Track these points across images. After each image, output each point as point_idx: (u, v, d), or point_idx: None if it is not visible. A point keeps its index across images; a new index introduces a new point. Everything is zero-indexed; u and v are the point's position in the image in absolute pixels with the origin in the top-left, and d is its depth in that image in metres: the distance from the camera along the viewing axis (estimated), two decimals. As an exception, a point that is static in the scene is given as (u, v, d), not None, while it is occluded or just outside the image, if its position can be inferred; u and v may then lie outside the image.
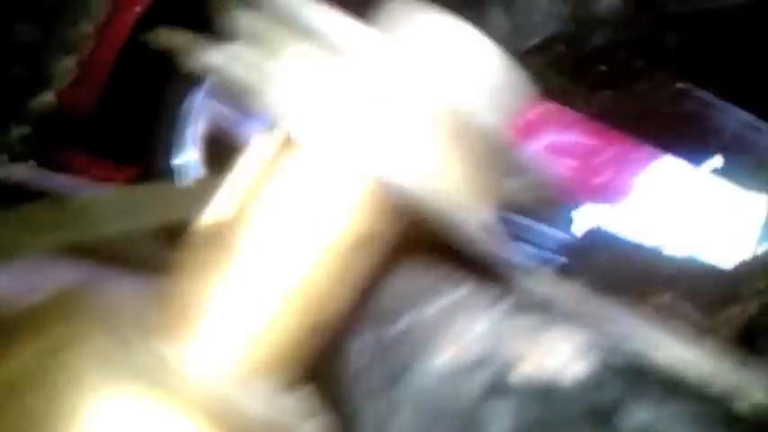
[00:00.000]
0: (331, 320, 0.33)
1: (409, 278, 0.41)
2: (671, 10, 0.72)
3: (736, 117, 1.02)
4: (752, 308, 0.83)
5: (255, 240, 0.31)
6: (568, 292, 0.37)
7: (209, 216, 0.33)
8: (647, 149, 2.32)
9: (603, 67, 0.91)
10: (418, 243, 0.37)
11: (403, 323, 0.37)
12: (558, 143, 3.51)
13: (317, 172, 0.31)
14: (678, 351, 0.31)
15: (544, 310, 0.33)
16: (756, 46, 0.72)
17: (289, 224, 0.31)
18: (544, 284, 0.37)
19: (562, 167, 3.62)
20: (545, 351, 0.30)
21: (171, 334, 0.31)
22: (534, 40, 0.65)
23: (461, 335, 0.32)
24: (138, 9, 2.00)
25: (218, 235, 0.32)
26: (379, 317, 0.39)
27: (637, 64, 0.85)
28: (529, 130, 3.38)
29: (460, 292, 0.37)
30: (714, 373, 0.29)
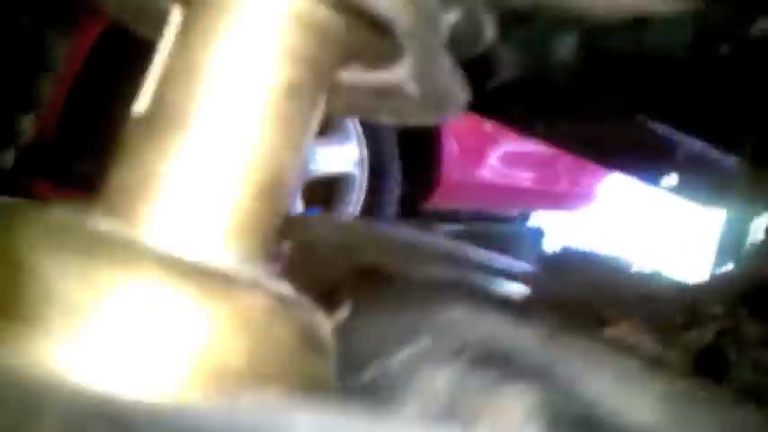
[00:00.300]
0: (282, 178, 0.32)
1: (375, 326, 0.42)
2: (622, 52, 0.75)
3: (690, 144, 1.05)
4: (709, 333, 0.85)
5: (194, 109, 0.31)
6: (527, 338, 0.38)
7: (141, 103, 0.32)
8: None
9: (561, 101, 0.94)
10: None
11: (369, 374, 0.39)
12: (516, 152, 3.54)
13: (237, 27, 0.31)
14: (628, 400, 0.33)
15: (502, 365, 0.34)
16: (706, 85, 0.76)
17: (221, 85, 0.31)
18: (502, 328, 0.38)
19: (521, 177, 3.65)
20: (500, 411, 0.31)
21: (127, 216, 0.30)
22: (495, 83, 0.67)
23: (424, 390, 0.34)
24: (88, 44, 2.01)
25: (154, 118, 0.31)
26: (346, 365, 0.39)
27: (594, 100, 0.89)
28: (486, 140, 3.41)
29: (424, 342, 0.38)
30: (662, 422, 0.31)
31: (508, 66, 0.84)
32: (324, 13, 0.32)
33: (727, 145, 0.96)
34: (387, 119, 0.42)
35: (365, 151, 3.44)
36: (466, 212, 3.93)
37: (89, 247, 0.28)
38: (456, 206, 3.90)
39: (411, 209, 3.80)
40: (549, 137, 1.21)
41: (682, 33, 0.72)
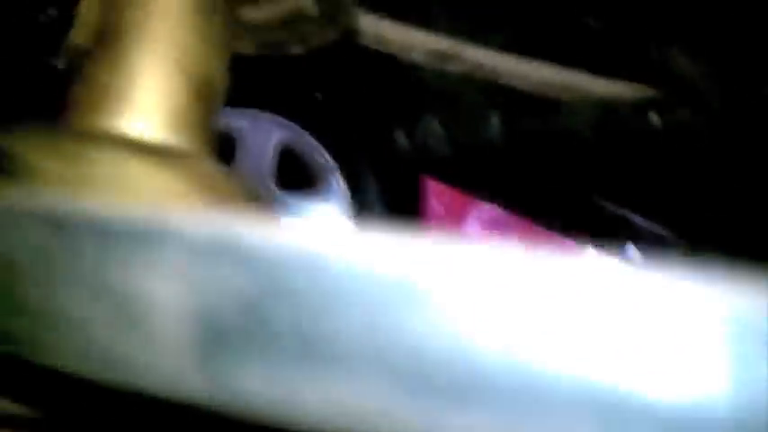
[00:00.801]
0: (212, 80, 0.38)
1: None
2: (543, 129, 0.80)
3: (648, 226, 1.09)
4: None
5: (135, 32, 0.36)
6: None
7: (80, 34, 0.37)
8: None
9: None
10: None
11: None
12: (500, 215, 3.59)
13: None
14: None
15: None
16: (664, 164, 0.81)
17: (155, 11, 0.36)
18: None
19: (504, 239, 3.70)
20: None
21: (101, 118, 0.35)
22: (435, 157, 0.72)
23: None
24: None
25: (101, 42, 0.36)
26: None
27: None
28: (470, 202, 3.47)
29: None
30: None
31: (445, 143, 0.89)
32: None
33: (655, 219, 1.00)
34: (295, 49, 0.48)
35: (348, 209, 3.49)
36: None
37: (68, 138, 0.34)
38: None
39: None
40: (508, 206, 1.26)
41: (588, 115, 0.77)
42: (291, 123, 2.64)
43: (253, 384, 0.22)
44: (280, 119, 2.54)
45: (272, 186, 3.68)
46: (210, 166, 0.35)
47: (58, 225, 0.24)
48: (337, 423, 0.22)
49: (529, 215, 1.25)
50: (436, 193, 3.80)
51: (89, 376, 0.23)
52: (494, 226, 3.84)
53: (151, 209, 0.23)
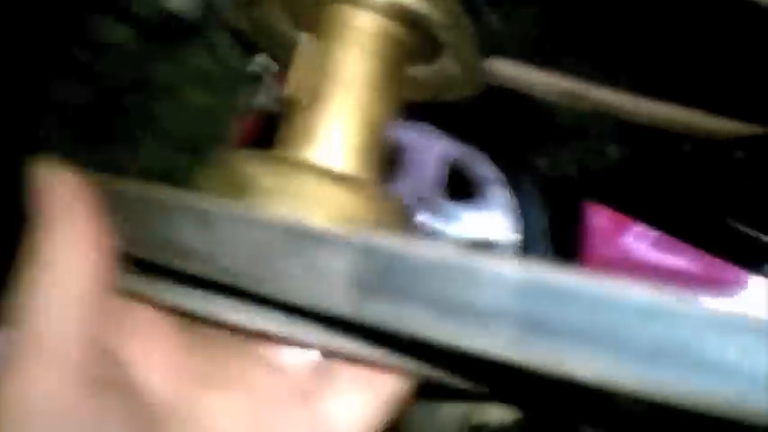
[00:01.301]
0: (381, 129, 0.49)
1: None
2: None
3: None
4: None
5: (327, 87, 0.47)
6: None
7: (288, 88, 0.49)
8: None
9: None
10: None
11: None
12: (658, 238, 3.53)
13: (343, 41, 0.49)
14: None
15: None
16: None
17: (338, 76, 0.48)
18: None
19: (669, 257, 3.63)
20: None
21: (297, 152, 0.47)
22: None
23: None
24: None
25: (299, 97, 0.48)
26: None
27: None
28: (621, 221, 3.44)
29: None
30: None
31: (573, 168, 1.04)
32: (397, 28, 0.50)
33: None
34: (446, 98, 0.59)
35: (512, 221, 3.55)
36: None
37: (276, 161, 0.46)
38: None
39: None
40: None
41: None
42: (458, 136, 2.76)
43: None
44: (446, 132, 2.69)
45: (438, 196, 3.84)
46: (377, 190, 0.46)
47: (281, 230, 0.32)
48: None
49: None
50: (596, 213, 3.80)
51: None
52: (658, 247, 3.78)
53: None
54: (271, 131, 0.51)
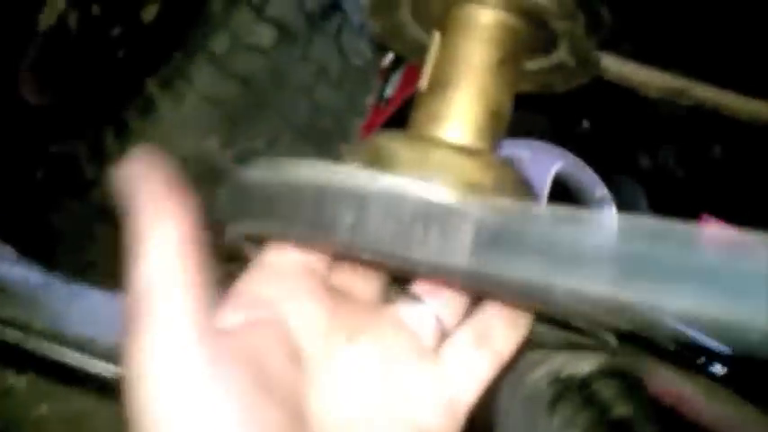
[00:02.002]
0: (502, 113, 0.54)
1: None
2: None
3: None
4: None
5: (453, 81, 0.53)
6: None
7: (423, 83, 0.55)
8: None
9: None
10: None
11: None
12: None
13: (470, 36, 0.54)
14: None
15: None
16: None
17: (465, 66, 0.54)
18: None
19: None
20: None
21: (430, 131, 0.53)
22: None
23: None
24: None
25: (431, 88, 0.54)
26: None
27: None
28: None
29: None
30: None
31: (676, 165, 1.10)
32: (516, 22, 0.55)
33: None
34: (559, 88, 0.63)
35: None
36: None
37: (416, 139, 0.53)
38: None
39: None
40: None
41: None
42: (570, 153, 2.77)
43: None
44: (560, 149, 2.72)
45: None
46: (497, 160, 0.51)
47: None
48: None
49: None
50: (713, 229, 3.74)
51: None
52: None
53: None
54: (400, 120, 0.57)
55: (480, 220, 0.36)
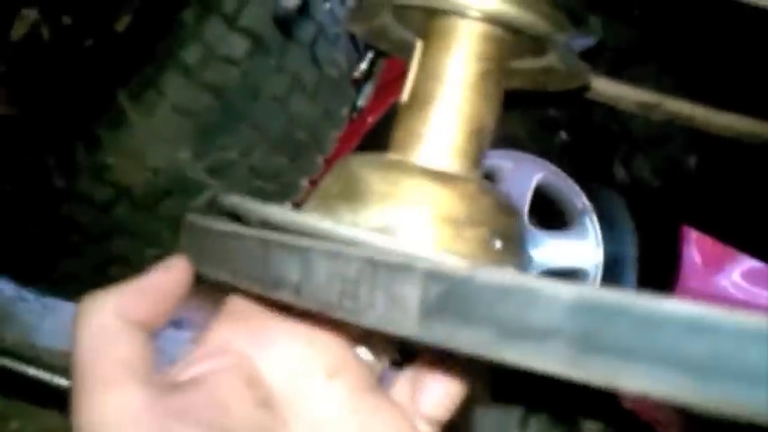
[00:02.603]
0: (483, 127, 0.53)
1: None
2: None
3: None
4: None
5: (433, 94, 0.52)
6: None
7: (404, 95, 0.53)
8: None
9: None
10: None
11: None
12: (759, 270, 3.39)
13: (451, 48, 0.52)
14: None
15: None
16: None
17: (446, 79, 0.52)
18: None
19: (762, 295, 3.49)
20: None
21: (405, 154, 0.51)
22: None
23: None
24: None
25: (411, 101, 0.53)
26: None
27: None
28: (729, 253, 3.32)
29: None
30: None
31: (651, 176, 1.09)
32: (499, 32, 0.53)
33: None
34: (550, 88, 0.62)
35: (602, 251, 3.52)
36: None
37: (390, 166, 0.51)
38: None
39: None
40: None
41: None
42: (551, 165, 2.77)
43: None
44: (541, 160, 2.72)
45: (528, 223, 3.87)
46: (479, 186, 0.50)
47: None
48: None
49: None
50: (696, 242, 3.66)
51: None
52: (756, 280, 3.61)
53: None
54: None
55: (426, 286, 0.34)
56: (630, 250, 3.57)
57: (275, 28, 1.26)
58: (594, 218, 3.63)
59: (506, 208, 0.51)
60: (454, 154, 0.51)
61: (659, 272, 3.66)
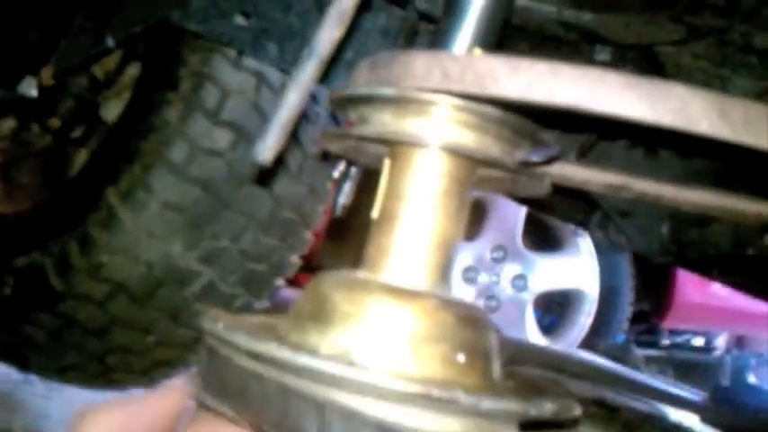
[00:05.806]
0: (449, 241, 0.55)
1: None
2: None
3: None
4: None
5: (401, 212, 0.54)
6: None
7: (375, 212, 0.56)
8: None
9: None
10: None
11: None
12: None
13: (417, 165, 0.55)
14: None
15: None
16: None
17: (413, 197, 0.54)
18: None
19: (757, 302, 3.54)
20: None
21: (374, 270, 0.54)
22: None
23: None
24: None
25: (381, 218, 0.55)
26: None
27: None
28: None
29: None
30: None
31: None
32: (460, 160, 0.55)
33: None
34: (520, 194, 0.64)
35: (597, 268, 3.55)
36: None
37: (355, 285, 0.54)
38: (690, 327, 3.90)
39: (645, 328, 3.84)
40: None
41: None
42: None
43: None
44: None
45: (520, 246, 3.90)
46: (440, 300, 0.52)
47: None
48: None
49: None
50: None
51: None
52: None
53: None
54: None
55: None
56: (626, 267, 3.61)
57: (256, 117, 1.30)
58: (588, 237, 3.66)
59: (471, 320, 0.53)
60: (419, 269, 0.54)
61: (655, 283, 3.70)
